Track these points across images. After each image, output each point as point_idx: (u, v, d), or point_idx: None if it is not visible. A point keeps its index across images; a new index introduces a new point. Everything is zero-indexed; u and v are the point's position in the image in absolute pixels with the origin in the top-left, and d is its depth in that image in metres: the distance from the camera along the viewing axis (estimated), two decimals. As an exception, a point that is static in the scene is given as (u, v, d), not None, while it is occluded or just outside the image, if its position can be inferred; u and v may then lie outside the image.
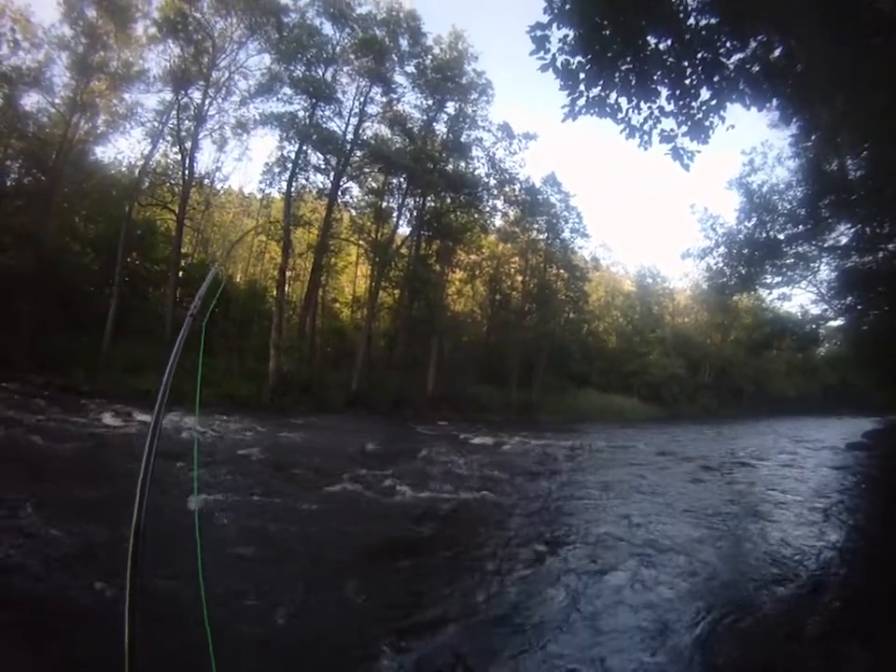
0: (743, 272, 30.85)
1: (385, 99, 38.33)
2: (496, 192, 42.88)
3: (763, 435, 35.28)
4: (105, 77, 32.51)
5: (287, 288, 37.05)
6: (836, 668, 5.79)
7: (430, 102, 38.96)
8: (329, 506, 10.42)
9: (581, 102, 8.06)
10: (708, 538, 10.24)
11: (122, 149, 59.14)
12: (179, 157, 35.20)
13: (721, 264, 32.02)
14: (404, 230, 42.19)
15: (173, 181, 36.26)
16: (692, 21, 8.03)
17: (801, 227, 28.15)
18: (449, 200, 40.18)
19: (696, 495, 14.59)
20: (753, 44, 8.36)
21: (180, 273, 35.39)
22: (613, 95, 8.16)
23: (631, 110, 8.35)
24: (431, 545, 8.83)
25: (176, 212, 34.15)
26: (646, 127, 8.47)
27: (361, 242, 40.19)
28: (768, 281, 32.67)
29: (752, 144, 35.14)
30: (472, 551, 8.71)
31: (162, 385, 1.62)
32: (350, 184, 38.90)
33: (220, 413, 21.09)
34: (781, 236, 28.77)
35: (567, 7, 7.49)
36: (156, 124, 34.12)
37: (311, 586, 6.81)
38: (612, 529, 10.37)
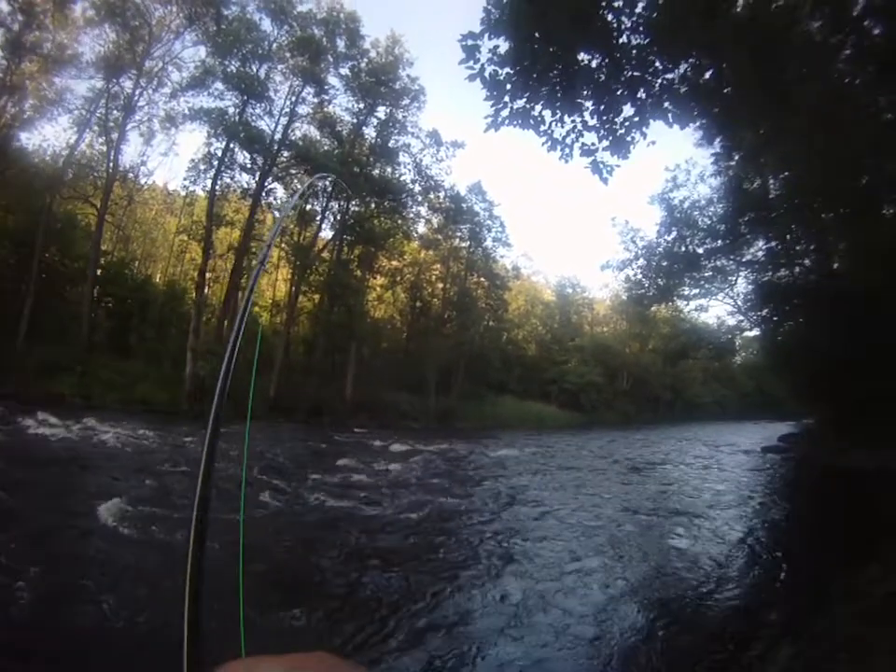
0: (661, 283, 31.82)
1: (316, 100, 38.14)
2: (420, 199, 43.02)
3: (681, 440, 35.80)
4: (37, 59, 31.28)
5: (206, 291, 36.34)
6: (763, 661, 5.95)
7: (362, 105, 38.77)
8: (248, 517, 10.25)
9: (505, 113, 8.16)
10: (632, 541, 10.35)
11: (48, 137, 56.71)
12: (105, 148, 34.19)
13: (639, 276, 32.97)
14: (327, 233, 41.73)
15: (96, 174, 34.96)
16: (624, 39, 8.22)
17: (720, 242, 29.16)
18: (373, 205, 39.75)
19: (616, 499, 14.63)
20: (684, 66, 8.59)
21: (98, 272, 34.05)
22: (538, 108, 8.29)
23: (554, 123, 8.48)
24: (351, 554, 8.73)
25: (98, 206, 32.84)
26: (568, 140, 8.61)
27: (283, 245, 39.47)
28: (686, 293, 33.81)
29: (677, 161, 36.11)
30: (391, 559, 8.59)
31: (224, 364, 1.52)
32: (275, 185, 38.39)
33: (137, 421, 20.35)
34: (700, 250, 29.75)
35: (503, 19, 7.60)
36: (84, 112, 33.11)
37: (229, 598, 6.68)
38: (534, 534, 10.40)
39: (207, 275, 35.01)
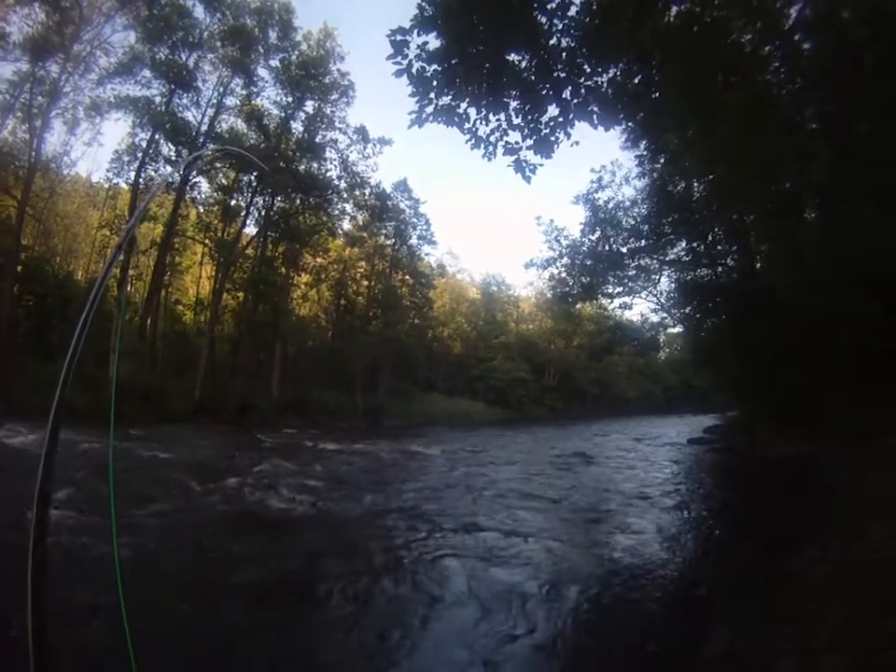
0: (586, 281, 32.45)
1: (245, 92, 37.39)
2: (346, 195, 42.56)
3: (609, 434, 36.14)
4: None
5: (128, 288, 35.55)
6: (705, 634, 6.06)
7: (290, 99, 38.07)
8: (171, 521, 10.04)
9: (430, 109, 8.14)
10: (561, 535, 10.35)
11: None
12: (28, 136, 32.54)
13: (564, 274, 33.51)
14: (251, 229, 40.99)
15: (18, 163, 33.18)
16: (554, 41, 8.28)
17: (643, 241, 29.87)
18: (299, 201, 39.13)
19: (542, 494, 14.54)
20: (613, 69, 8.70)
21: (19, 268, 32.53)
22: (463, 105, 8.29)
23: (479, 121, 8.50)
24: (274, 559, 8.63)
25: (18, 198, 31.33)
26: (492, 138, 8.63)
27: (207, 241, 38.55)
28: (610, 291, 34.53)
29: (603, 162, 36.80)
30: (315, 560, 8.53)
31: (71, 349, 1.45)
32: (199, 179, 37.38)
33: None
34: (624, 249, 30.41)
35: (434, 15, 7.60)
36: (8, 97, 31.46)
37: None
38: (460, 532, 10.33)
39: (130, 272, 33.94)
